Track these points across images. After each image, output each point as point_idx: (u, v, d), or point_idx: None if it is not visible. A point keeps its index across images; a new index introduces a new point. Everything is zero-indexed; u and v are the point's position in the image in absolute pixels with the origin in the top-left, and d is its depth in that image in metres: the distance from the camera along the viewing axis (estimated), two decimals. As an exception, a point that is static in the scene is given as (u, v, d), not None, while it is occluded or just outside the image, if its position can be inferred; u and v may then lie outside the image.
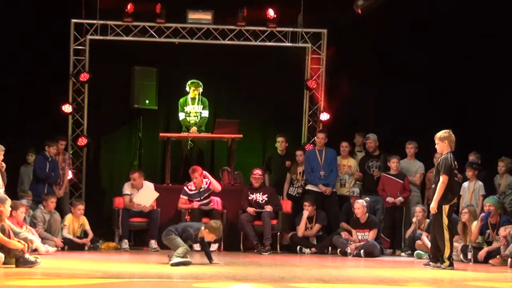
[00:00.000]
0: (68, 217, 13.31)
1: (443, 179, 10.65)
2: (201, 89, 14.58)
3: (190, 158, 14.62)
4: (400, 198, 13.81)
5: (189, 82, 14.61)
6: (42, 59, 14.51)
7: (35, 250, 11.20)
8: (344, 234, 13.30)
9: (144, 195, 13.61)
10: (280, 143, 14.66)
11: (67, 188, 14.34)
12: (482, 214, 12.32)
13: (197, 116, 14.60)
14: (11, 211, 10.49)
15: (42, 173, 13.65)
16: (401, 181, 13.91)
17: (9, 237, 9.61)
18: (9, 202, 10.16)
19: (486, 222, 12.22)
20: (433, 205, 10.68)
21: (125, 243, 13.37)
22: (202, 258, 11.44)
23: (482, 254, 11.95)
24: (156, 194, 13.66)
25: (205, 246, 11.03)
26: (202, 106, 14.62)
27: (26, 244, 9.73)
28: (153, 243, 13.37)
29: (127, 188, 13.68)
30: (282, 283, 8.59)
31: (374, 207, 13.88)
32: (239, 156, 14.83)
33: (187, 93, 14.64)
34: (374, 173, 14.27)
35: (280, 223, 13.80)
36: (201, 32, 15.12)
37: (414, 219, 13.41)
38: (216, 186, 13.74)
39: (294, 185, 14.44)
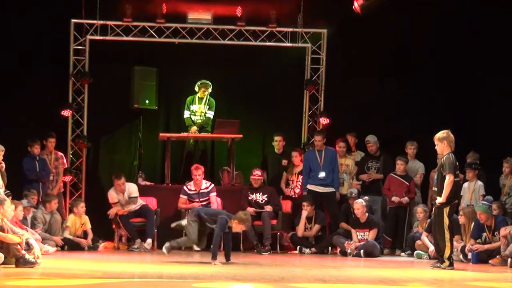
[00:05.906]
0: (71, 218, 13.29)
1: (449, 177, 10.62)
2: (210, 90, 14.61)
3: (194, 155, 14.64)
4: (406, 198, 13.80)
5: (198, 83, 14.61)
6: (42, 59, 14.50)
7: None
8: (347, 245, 13.20)
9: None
10: (278, 143, 14.68)
11: (61, 188, 14.30)
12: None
13: (202, 116, 14.62)
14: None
15: (33, 174, 13.61)
16: (407, 183, 13.90)
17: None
18: (8, 203, 10.15)
19: (481, 227, 12.22)
20: (441, 200, 10.66)
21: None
22: (202, 258, 11.45)
23: (479, 247, 11.95)
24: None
25: (228, 242, 11.03)
26: (208, 107, 14.64)
27: (23, 239, 9.73)
28: (149, 242, 13.33)
29: (114, 196, 13.60)
30: (282, 283, 8.59)
31: (372, 207, 13.86)
32: (239, 156, 14.82)
33: (195, 92, 14.66)
34: (366, 177, 14.22)
35: (280, 223, 13.79)
36: (201, 32, 15.12)
37: (415, 224, 13.42)
38: (214, 203, 13.68)
39: (290, 186, 14.44)
